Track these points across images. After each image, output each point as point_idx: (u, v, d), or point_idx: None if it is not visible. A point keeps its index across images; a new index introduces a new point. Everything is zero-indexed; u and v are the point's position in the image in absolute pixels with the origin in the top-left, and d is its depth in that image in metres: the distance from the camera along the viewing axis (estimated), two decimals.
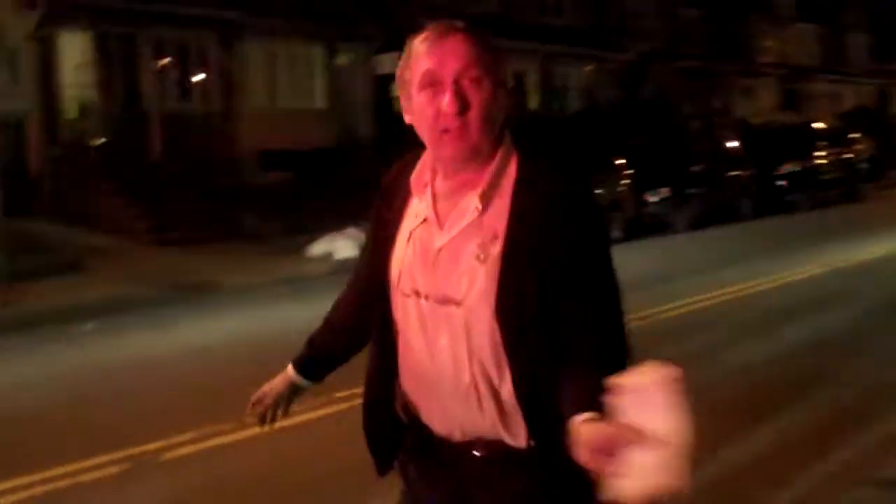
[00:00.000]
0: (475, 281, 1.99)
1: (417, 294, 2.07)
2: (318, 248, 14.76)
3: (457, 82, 1.96)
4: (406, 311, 2.10)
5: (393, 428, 2.21)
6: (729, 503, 5.08)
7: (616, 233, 17.93)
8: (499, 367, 2.01)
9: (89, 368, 8.64)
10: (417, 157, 2.14)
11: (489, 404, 2.03)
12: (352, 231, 13.85)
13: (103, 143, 18.69)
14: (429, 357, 2.07)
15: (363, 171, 15.46)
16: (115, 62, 19.67)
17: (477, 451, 2.08)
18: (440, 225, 2.06)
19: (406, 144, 2.22)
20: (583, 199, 2.04)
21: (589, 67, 31.78)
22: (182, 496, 5.37)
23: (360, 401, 2.29)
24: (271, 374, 2.56)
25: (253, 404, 2.48)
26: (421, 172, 2.12)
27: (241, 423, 6.25)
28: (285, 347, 2.73)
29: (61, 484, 5.51)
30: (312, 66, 22.89)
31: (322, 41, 22.44)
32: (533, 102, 30.00)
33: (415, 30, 2.06)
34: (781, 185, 23.91)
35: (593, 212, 2.04)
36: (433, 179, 2.10)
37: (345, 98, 22.99)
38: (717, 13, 38.11)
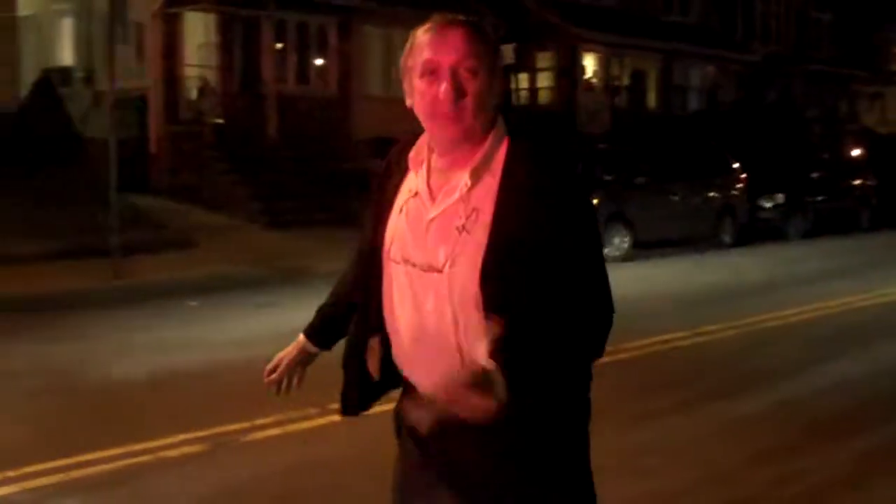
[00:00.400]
0: (459, 251, 2.12)
1: (406, 261, 2.21)
2: None
3: (454, 72, 2.13)
4: (396, 278, 2.24)
5: (364, 381, 2.38)
6: None
7: (726, 238, 17.61)
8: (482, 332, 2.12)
9: (188, 345, 8.84)
10: (417, 137, 2.29)
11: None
12: None
13: (220, 123, 19.07)
14: (416, 321, 2.20)
15: None
16: (236, 44, 20.03)
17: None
18: (432, 198, 2.21)
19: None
20: (568, 179, 2.16)
21: (711, 67, 31.19)
22: (258, 479, 5.41)
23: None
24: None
25: (268, 372, 2.58)
26: (419, 151, 2.27)
27: (325, 409, 6.30)
28: None
29: (144, 459, 5.61)
30: None
31: None
32: (651, 100, 29.59)
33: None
34: None
35: (578, 192, 2.18)
36: (429, 157, 2.25)
37: None
38: (848, 18, 37.05)
